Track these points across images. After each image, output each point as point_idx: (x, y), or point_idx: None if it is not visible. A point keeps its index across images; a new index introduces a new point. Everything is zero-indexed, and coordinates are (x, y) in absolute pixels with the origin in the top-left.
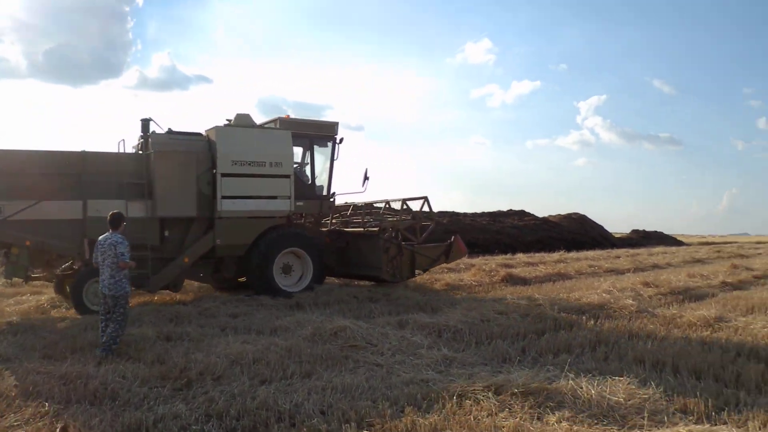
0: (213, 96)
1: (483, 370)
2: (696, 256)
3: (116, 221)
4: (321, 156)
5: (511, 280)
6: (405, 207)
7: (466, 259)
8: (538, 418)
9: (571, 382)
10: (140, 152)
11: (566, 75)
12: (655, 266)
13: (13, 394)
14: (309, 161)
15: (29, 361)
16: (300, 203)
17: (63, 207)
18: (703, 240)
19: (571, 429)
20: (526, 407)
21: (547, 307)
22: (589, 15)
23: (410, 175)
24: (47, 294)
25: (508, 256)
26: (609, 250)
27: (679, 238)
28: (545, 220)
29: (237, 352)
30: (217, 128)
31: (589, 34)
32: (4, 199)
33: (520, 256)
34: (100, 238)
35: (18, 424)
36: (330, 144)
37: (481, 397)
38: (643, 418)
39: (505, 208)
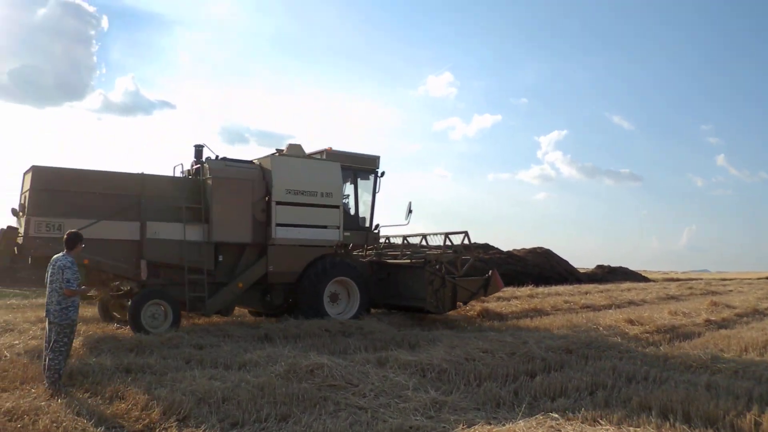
0: (176, 122)
1: (477, 417)
2: (669, 293)
3: (71, 241)
4: (363, 189)
5: (488, 315)
6: (447, 241)
7: None
8: None
9: None
10: (194, 177)
11: (527, 109)
12: (631, 302)
13: None
14: (353, 193)
15: None
16: (347, 233)
17: (121, 228)
18: (667, 276)
19: None
20: None
21: (534, 346)
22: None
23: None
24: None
25: None
26: (577, 285)
27: (642, 274)
28: (510, 254)
29: (204, 390)
30: (272, 157)
31: (550, 69)
32: (65, 216)
33: None
34: (53, 258)
35: None
36: (372, 177)
37: None
38: None
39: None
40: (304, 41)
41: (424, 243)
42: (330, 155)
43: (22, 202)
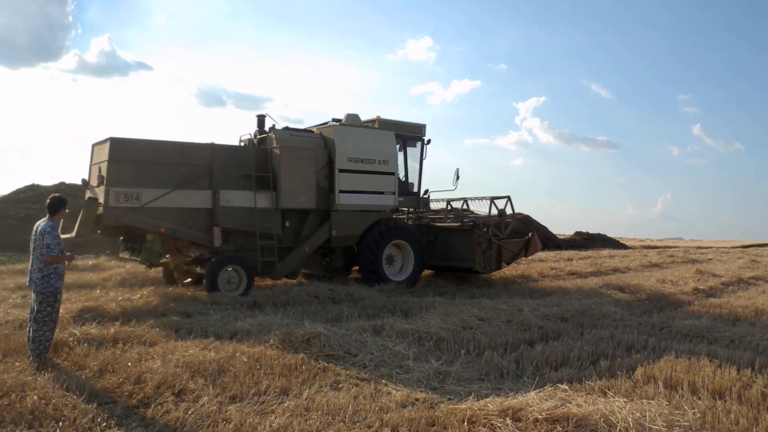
0: (153, 83)
1: (483, 387)
2: (651, 261)
3: (54, 206)
4: (410, 155)
5: (475, 281)
6: (493, 205)
7: None
8: None
9: (600, 406)
10: (260, 146)
11: (506, 75)
12: (616, 270)
13: None
14: (402, 160)
15: None
16: (400, 199)
17: (194, 196)
18: (643, 243)
19: None
20: None
21: (530, 314)
22: (530, 15)
23: None
24: None
25: None
26: (558, 252)
27: (620, 241)
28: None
29: (198, 361)
30: (335, 127)
31: (529, 35)
32: (142, 186)
33: None
34: (36, 223)
35: None
36: (418, 144)
37: (499, 425)
38: None
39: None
40: (284, 3)
41: (465, 206)
42: (381, 124)
43: (100, 173)
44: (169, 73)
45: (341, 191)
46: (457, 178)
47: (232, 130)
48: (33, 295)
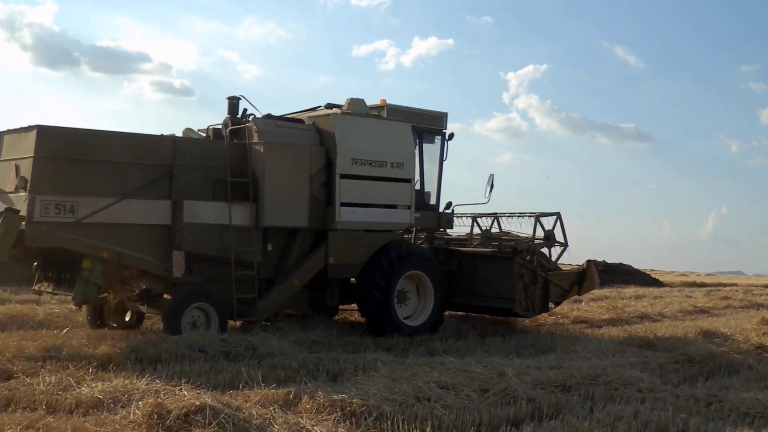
0: None
1: None
2: (695, 304)
3: None
4: (427, 156)
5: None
6: (538, 225)
7: None
8: None
9: None
10: (233, 141)
11: (492, 32)
12: (645, 317)
13: None
14: (417, 162)
15: None
16: (417, 215)
17: (148, 208)
18: (686, 279)
19: None
20: None
21: (516, 380)
22: None
23: None
24: None
25: None
26: None
27: (652, 275)
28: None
29: None
30: (336, 116)
31: None
32: (80, 194)
33: None
34: None
35: None
36: (438, 140)
37: None
38: None
39: None
40: None
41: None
42: (390, 112)
43: (18, 173)
44: None
45: (343, 204)
46: (491, 187)
47: (85, 104)
48: None
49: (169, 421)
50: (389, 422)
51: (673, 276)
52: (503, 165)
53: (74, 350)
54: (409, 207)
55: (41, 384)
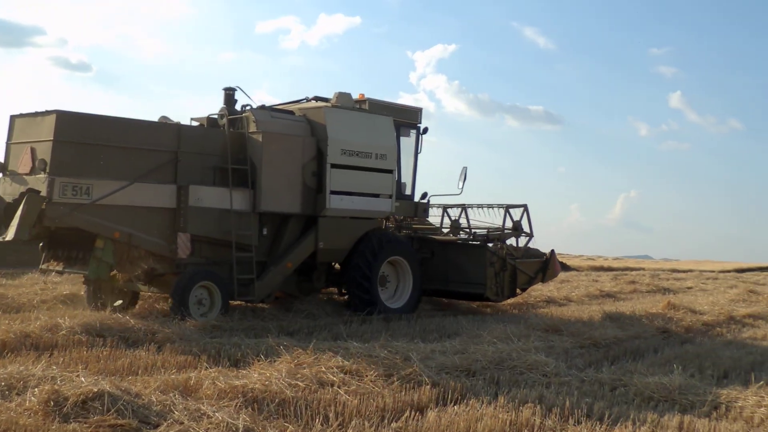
0: None
1: None
2: (602, 288)
3: None
4: (403, 148)
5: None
6: (508, 216)
7: None
8: None
9: None
10: (231, 130)
11: (399, 10)
12: (550, 301)
13: None
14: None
15: None
16: (397, 204)
17: (156, 192)
18: (594, 263)
19: None
20: None
21: (420, 364)
22: None
23: None
24: None
25: None
26: None
27: (560, 259)
28: None
29: None
30: (327, 109)
31: None
32: (94, 177)
33: None
34: None
35: None
36: (413, 133)
37: None
38: None
39: None
40: None
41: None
42: (370, 106)
43: (34, 156)
44: None
45: (333, 192)
46: (464, 179)
47: None
48: None
49: (66, 408)
50: (292, 408)
51: (580, 260)
52: (409, 147)
53: None
54: (390, 196)
55: None
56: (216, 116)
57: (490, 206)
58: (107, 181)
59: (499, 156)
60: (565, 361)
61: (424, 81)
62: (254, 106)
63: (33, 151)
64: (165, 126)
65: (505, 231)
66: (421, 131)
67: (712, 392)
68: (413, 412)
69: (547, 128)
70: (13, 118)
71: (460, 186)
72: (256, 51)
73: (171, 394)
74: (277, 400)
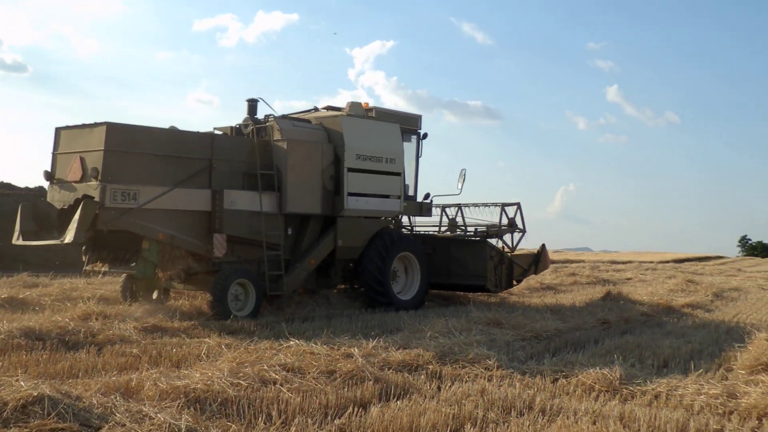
0: None
1: None
2: (543, 281)
3: None
4: (406, 153)
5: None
6: (503, 213)
7: None
8: None
9: None
10: (256, 138)
11: (337, 7)
12: (491, 295)
13: None
14: None
15: None
16: (405, 204)
17: (193, 197)
18: None
19: None
20: None
21: (363, 360)
22: None
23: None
24: None
25: None
26: None
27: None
28: None
29: None
30: (343, 118)
31: None
32: (140, 183)
33: None
34: None
35: None
36: (414, 138)
37: None
38: None
39: None
40: None
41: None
42: (377, 114)
43: (84, 164)
44: None
45: (350, 194)
46: (463, 180)
47: None
48: None
49: (5, 413)
50: (234, 407)
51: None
52: None
53: None
54: (399, 197)
55: None
56: (241, 125)
57: (485, 205)
58: (151, 186)
59: (439, 151)
60: (507, 354)
61: (362, 77)
62: (276, 116)
63: (82, 160)
64: (200, 135)
65: (502, 227)
66: (421, 136)
67: (653, 381)
68: (356, 409)
69: (487, 123)
70: (58, 130)
71: (459, 187)
72: (193, 50)
73: (112, 396)
74: (219, 399)
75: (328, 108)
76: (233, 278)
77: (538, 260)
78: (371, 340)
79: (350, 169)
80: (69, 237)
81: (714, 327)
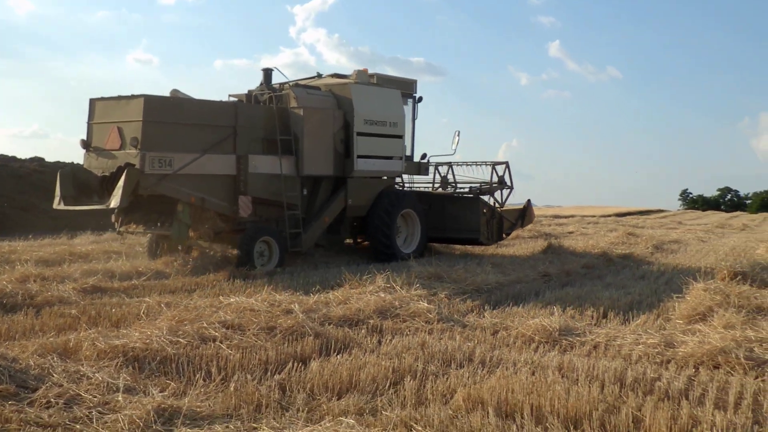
0: None
1: (230, 428)
2: None
3: None
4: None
5: (203, 262)
6: (494, 171)
7: None
8: None
9: None
10: (273, 105)
11: None
12: (433, 249)
13: None
14: None
15: None
16: (405, 164)
17: (221, 161)
18: None
19: None
20: None
21: (303, 316)
22: None
23: (35, 108)
24: None
25: None
26: None
27: None
28: None
29: None
30: (352, 86)
31: None
32: (174, 150)
33: None
34: None
35: None
36: (410, 102)
37: None
38: None
39: None
40: None
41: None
42: (378, 80)
43: (122, 134)
44: None
45: (359, 156)
46: (458, 141)
47: None
48: None
49: None
50: (173, 365)
51: None
52: None
53: None
54: (401, 158)
55: None
56: (257, 93)
57: (475, 163)
58: (184, 154)
59: None
60: (448, 308)
61: (304, 35)
62: (291, 84)
63: (120, 129)
64: (225, 104)
65: (493, 185)
66: (417, 100)
67: (592, 332)
68: (296, 364)
69: (430, 80)
70: (93, 101)
71: (453, 147)
72: (132, 9)
73: (49, 357)
74: (158, 357)
75: (334, 75)
76: (259, 236)
77: (524, 215)
78: (312, 296)
79: (359, 134)
80: (114, 202)
81: (653, 278)
